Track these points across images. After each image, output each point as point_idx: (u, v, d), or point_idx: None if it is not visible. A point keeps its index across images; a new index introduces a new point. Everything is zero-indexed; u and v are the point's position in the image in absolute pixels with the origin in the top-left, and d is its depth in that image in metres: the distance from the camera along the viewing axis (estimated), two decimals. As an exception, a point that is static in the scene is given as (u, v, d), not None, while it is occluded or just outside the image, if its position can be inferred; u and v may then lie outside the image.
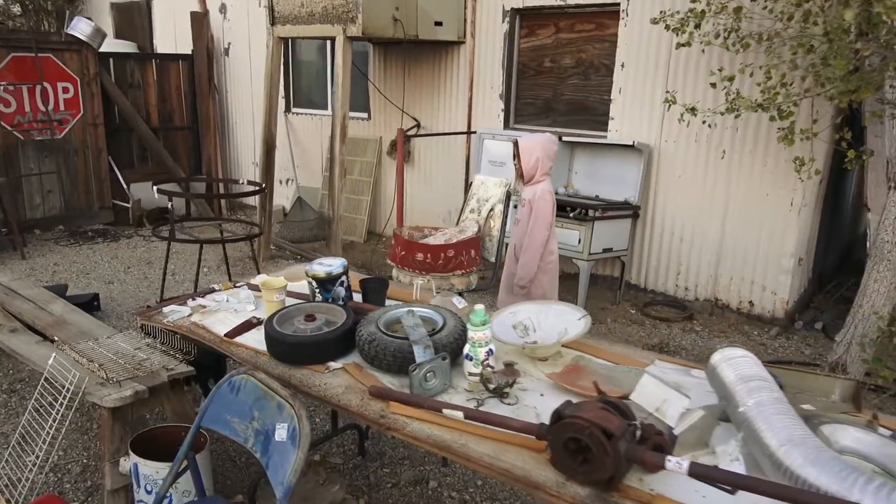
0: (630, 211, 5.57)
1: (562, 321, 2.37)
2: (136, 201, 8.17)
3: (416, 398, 1.97)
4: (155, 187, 3.67)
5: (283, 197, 8.87)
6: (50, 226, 7.77)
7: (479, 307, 2.13)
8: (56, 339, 3.36)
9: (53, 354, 3.04)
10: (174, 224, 3.70)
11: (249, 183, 4.66)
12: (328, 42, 7.74)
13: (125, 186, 8.25)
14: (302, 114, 8.42)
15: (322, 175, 8.16)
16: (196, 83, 8.88)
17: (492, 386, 2.03)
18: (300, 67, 8.51)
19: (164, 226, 4.07)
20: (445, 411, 1.88)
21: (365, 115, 7.73)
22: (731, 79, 4.22)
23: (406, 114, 7.19)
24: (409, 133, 7.19)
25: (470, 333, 2.11)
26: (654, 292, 5.82)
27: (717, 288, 5.49)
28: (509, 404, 2.01)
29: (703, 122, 5.21)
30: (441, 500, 3.03)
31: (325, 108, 8.14)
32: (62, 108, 7.66)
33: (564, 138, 5.80)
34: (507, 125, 6.54)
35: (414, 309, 2.32)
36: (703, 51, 4.85)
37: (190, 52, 8.86)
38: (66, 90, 7.65)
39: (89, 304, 5.13)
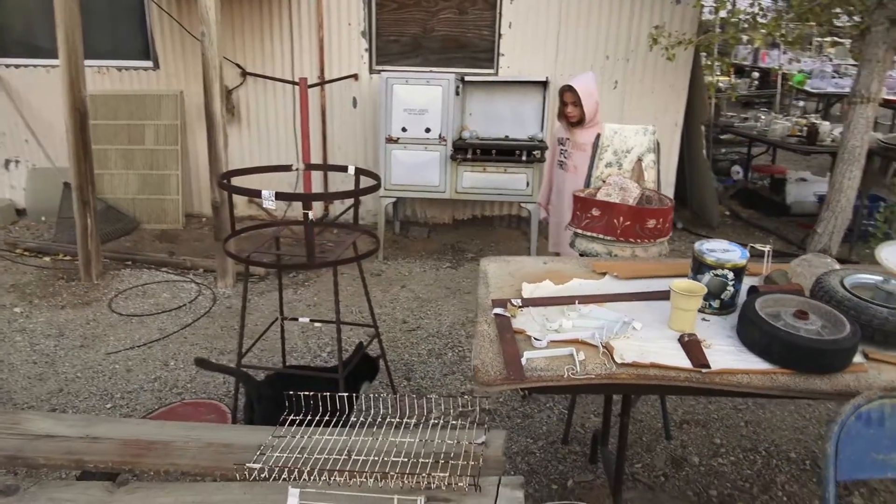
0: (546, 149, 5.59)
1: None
2: None
3: None
4: (266, 192, 2.25)
5: (5, 186, 6.29)
6: None
7: None
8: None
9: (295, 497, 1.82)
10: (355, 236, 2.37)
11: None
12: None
13: None
14: (22, 65, 5.94)
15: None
16: None
17: None
18: (6, -1, 5.91)
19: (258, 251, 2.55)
20: None
21: (148, 62, 5.87)
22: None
23: (226, 59, 5.71)
24: (235, 87, 5.80)
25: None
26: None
27: (614, 209, 5.98)
28: None
29: (607, 58, 5.51)
30: None
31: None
32: None
33: (467, 78, 5.41)
34: (371, 67, 5.75)
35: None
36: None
37: None
38: None
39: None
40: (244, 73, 5.78)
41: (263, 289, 4.73)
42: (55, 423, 2.29)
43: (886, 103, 8.89)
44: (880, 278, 2.09)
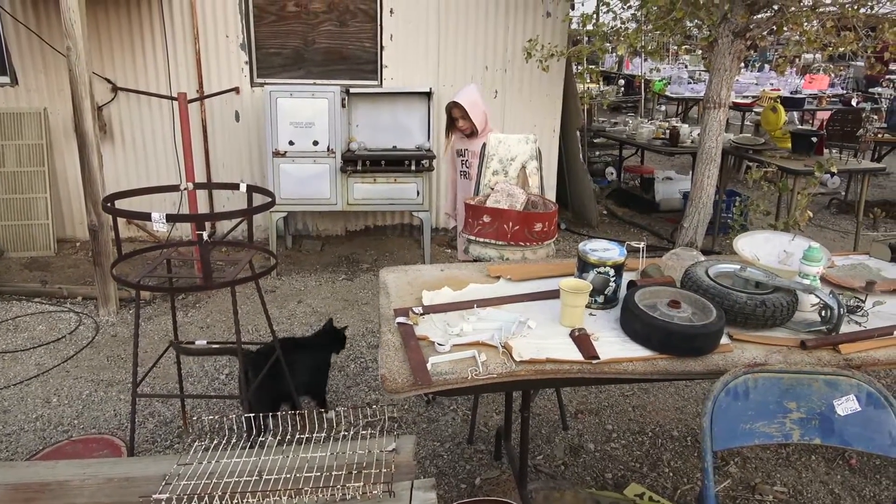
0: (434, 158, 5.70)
1: (775, 246, 2.73)
2: None
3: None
4: (156, 215, 2.15)
5: None
6: None
7: (816, 244, 2.35)
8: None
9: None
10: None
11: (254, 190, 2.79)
12: None
13: None
14: None
15: (-66, 174, 5.46)
16: None
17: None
18: None
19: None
20: None
21: (6, 78, 5.45)
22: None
23: (95, 74, 5.40)
24: (105, 103, 5.51)
25: (811, 269, 2.32)
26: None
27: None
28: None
29: (486, 68, 5.73)
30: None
31: None
32: None
33: (352, 90, 5.43)
34: (252, 80, 5.64)
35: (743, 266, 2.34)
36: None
37: None
38: None
39: None
40: (115, 89, 5.50)
41: (151, 313, 4.52)
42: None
43: (735, 106, 9.82)
44: (738, 266, 2.35)
